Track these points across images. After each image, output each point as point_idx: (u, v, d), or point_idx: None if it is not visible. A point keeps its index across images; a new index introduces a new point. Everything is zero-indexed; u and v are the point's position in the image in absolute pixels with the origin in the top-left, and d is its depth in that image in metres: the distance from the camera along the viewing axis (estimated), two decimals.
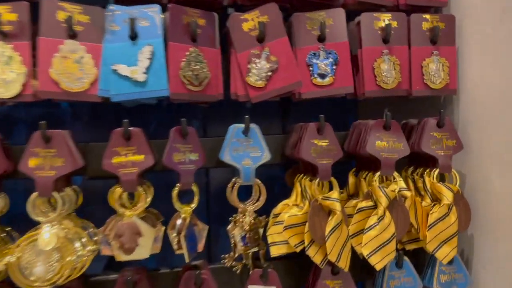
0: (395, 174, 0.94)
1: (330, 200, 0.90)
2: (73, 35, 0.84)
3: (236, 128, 0.89)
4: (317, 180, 0.91)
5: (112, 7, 0.86)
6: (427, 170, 0.98)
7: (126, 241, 0.83)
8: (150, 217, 0.89)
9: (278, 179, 1.16)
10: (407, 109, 1.16)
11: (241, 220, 0.87)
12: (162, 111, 1.25)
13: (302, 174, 0.97)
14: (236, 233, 0.88)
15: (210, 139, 0.94)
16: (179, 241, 0.85)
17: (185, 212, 0.86)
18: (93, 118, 1.24)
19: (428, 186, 0.97)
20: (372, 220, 0.91)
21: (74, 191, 0.89)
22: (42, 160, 0.80)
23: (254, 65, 0.90)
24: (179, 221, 0.85)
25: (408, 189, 0.95)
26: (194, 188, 0.87)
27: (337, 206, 0.90)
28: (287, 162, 1.00)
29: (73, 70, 0.83)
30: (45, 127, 0.80)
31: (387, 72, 0.95)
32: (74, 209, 0.90)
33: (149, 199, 0.88)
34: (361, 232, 0.92)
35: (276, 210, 0.96)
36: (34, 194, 0.81)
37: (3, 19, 0.81)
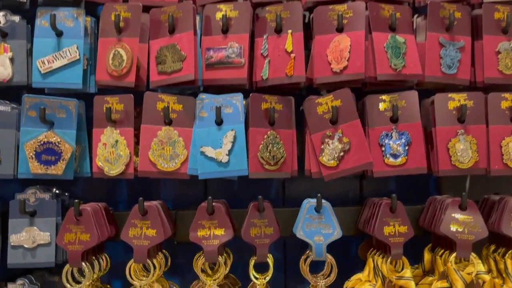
0: (473, 255, 0.92)
1: (404, 279, 0.92)
2: (169, 122, 0.97)
3: (309, 204, 0.95)
4: (389, 258, 0.93)
5: (202, 96, 0.98)
6: (510, 252, 0.94)
7: None
8: (227, 284, 0.97)
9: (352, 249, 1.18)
10: (488, 183, 1.12)
11: None
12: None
13: (375, 250, 0.99)
14: None
15: (287, 210, 1.02)
16: None
17: (260, 283, 0.93)
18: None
19: (510, 270, 0.93)
20: None
21: (163, 255, 1.00)
22: (139, 230, 0.93)
23: (327, 145, 0.96)
24: None
25: (487, 271, 0.92)
26: (269, 260, 0.94)
27: (412, 285, 0.91)
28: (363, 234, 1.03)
29: (167, 152, 0.96)
30: (143, 203, 0.93)
31: (462, 152, 0.95)
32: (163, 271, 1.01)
33: (228, 268, 0.96)
34: None
35: (349, 283, 0.99)
36: (131, 261, 0.93)
37: (113, 107, 0.97)
